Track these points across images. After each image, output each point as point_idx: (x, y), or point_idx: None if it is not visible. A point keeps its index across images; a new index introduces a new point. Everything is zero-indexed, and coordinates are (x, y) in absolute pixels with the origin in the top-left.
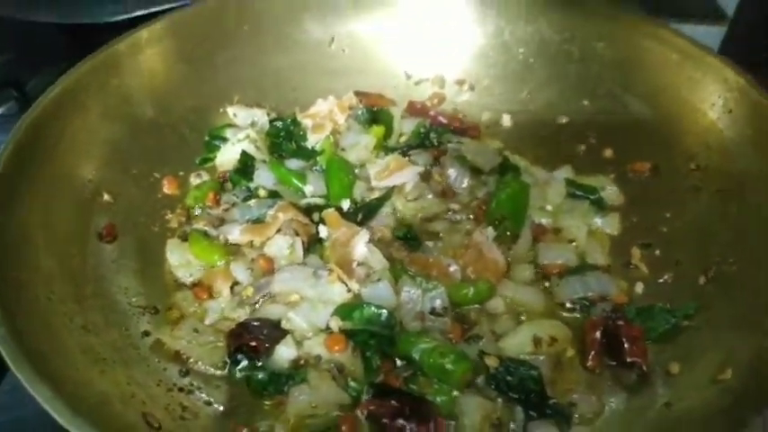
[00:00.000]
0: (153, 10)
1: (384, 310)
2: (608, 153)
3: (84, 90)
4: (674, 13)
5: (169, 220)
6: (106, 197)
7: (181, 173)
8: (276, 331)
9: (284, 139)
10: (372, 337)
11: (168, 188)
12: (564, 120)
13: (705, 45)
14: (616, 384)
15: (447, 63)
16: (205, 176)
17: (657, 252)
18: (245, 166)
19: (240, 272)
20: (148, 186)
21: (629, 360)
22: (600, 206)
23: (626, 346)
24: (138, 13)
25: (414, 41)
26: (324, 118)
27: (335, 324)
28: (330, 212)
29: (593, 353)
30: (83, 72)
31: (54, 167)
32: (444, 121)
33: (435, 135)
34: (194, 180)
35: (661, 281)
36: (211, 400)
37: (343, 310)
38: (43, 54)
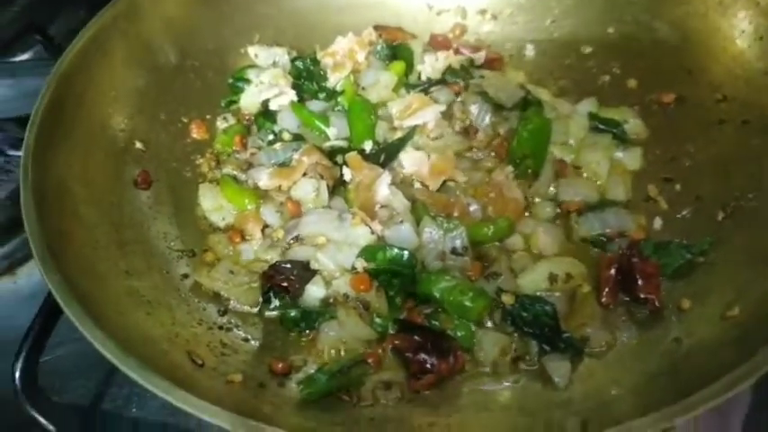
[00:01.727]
0: None
1: (406, 251)
2: (632, 84)
3: (107, 39)
4: None
5: (200, 164)
6: (138, 145)
7: (208, 116)
8: (306, 272)
9: (305, 80)
10: (395, 276)
11: (197, 132)
12: (588, 49)
13: None
14: (629, 319)
15: None
16: (231, 119)
17: (678, 186)
18: (269, 108)
19: (270, 215)
20: (177, 132)
21: (642, 296)
22: (623, 140)
23: (639, 282)
24: None
25: None
26: (344, 56)
27: (360, 265)
28: (353, 156)
29: (607, 289)
30: (104, 21)
31: (87, 119)
32: (467, 52)
33: (457, 73)
34: (221, 124)
35: (679, 216)
36: (248, 336)
37: (368, 252)
38: None
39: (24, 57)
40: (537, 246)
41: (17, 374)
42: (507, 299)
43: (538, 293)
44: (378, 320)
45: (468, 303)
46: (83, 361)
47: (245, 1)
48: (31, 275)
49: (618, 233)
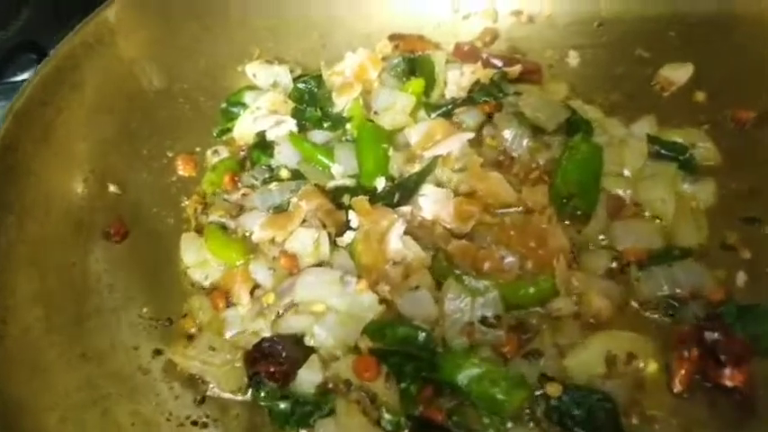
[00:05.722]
0: None
1: (422, 332)
2: (700, 96)
3: (77, 65)
4: None
5: (184, 207)
6: (112, 188)
7: (197, 149)
8: (298, 352)
9: (308, 105)
10: (409, 360)
11: (183, 169)
12: (645, 54)
13: None
14: (711, 413)
15: None
16: (223, 153)
17: (766, 230)
18: (265, 139)
19: (261, 272)
20: (161, 169)
21: (728, 384)
22: (690, 169)
23: (726, 369)
24: None
25: None
26: (352, 75)
27: (365, 344)
28: (360, 201)
29: (682, 372)
30: (73, 45)
31: (48, 161)
32: (499, 63)
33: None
34: (212, 158)
35: None
36: None
37: (373, 329)
38: (62, 11)
39: (24, 76)
40: (590, 311)
41: None
42: (552, 390)
43: (591, 380)
44: (387, 416)
45: (500, 396)
46: None
47: (242, 13)
48: None
49: (691, 294)
